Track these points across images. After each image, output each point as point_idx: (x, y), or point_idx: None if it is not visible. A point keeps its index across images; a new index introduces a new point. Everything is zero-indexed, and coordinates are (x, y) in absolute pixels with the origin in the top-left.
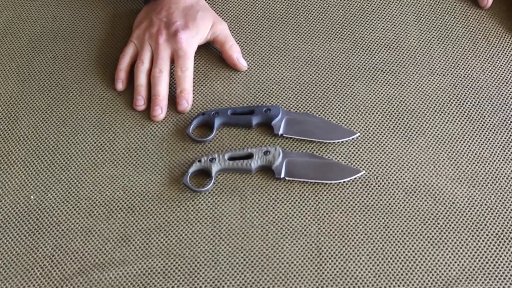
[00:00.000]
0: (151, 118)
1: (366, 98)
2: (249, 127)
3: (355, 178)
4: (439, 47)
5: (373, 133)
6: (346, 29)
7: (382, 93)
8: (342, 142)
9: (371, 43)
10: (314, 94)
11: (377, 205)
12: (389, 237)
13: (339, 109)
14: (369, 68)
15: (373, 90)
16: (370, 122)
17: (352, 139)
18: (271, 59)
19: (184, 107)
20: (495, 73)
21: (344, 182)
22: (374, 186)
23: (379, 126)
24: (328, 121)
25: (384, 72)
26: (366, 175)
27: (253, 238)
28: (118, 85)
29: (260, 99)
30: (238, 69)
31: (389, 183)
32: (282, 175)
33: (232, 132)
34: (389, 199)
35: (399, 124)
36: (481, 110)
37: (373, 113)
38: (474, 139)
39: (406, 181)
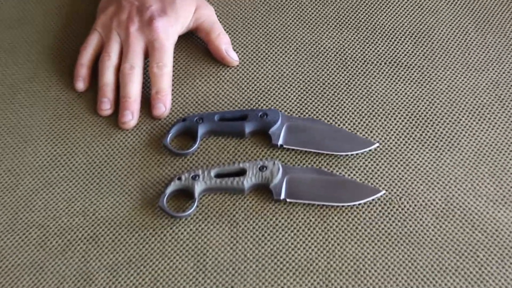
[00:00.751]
0: (120, 125)
1: (386, 100)
2: (241, 137)
3: (373, 200)
4: (477, 35)
5: (395, 143)
6: (361, 15)
7: (406, 93)
8: (357, 154)
9: (392, 32)
10: (322, 95)
11: (400, 233)
12: (415, 273)
13: (352, 114)
14: (389, 62)
15: (395, 90)
16: (391, 130)
17: (370, 150)
18: (268, 51)
19: (161, 111)
20: None
21: (359, 204)
22: (396, 210)
23: (402, 134)
24: (339, 129)
25: (408, 67)
26: (387, 196)
27: (246, 275)
28: (78, 84)
29: (254, 102)
30: (227, 63)
31: (415, 205)
32: (282, 196)
33: (220, 142)
34: (415, 226)
35: (427, 132)
36: None
37: (395, 119)
38: None
39: (437, 203)
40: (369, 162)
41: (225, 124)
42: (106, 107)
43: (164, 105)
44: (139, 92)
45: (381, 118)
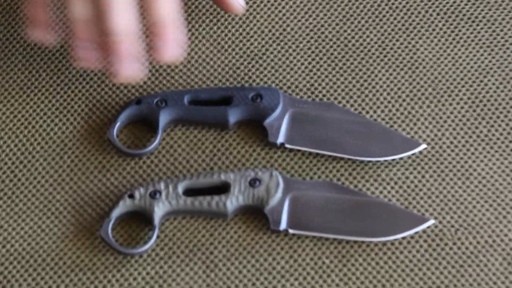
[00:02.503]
0: (118, 79)
1: (438, 79)
2: (222, 129)
3: (416, 233)
4: None
5: (450, 146)
6: None
7: (467, 68)
8: (393, 161)
9: None
10: (342, 71)
11: (457, 283)
12: None
13: (386, 101)
14: (441, 22)
15: (450, 64)
16: (445, 127)
17: (412, 156)
18: (269, 4)
19: (173, 55)
20: None
21: (396, 240)
22: (451, 248)
23: (460, 133)
24: (369, 121)
25: (470, 25)
26: (436, 227)
27: None
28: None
29: (244, 78)
30: (229, 8)
31: (478, 242)
32: (283, 226)
33: (191, 137)
34: (478, 271)
35: (497, 129)
36: None
37: (449, 110)
38: None
39: (510, 238)
40: (410, 173)
41: (199, 109)
42: (89, 55)
43: (177, 45)
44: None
45: (430, 108)
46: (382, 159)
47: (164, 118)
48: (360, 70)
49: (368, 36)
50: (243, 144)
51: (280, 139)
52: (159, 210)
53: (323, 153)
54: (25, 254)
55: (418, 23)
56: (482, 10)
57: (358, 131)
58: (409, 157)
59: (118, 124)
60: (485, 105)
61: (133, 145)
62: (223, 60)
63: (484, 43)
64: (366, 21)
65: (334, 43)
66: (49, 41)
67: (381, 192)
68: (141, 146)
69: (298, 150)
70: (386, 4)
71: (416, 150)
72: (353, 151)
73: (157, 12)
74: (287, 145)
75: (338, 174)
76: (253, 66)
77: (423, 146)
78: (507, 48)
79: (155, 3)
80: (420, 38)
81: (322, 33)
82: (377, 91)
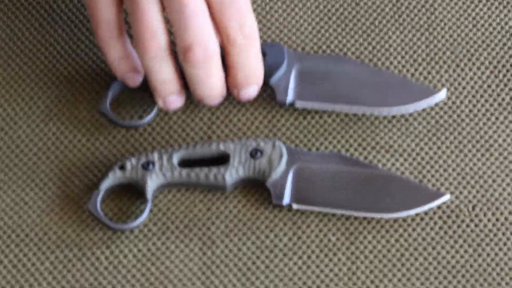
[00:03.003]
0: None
1: (452, 41)
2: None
3: (431, 209)
4: None
5: (469, 113)
6: None
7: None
8: (411, 114)
9: None
10: (351, 23)
11: (474, 263)
12: None
13: (398, 64)
14: None
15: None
16: (463, 96)
17: (429, 125)
18: None
19: (253, 94)
20: None
21: (408, 217)
22: (467, 225)
23: (482, 101)
24: (383, 71)
25: None
26: (452, 202)
27: None
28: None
29: None
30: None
31: (498, 218)
32: (286, 201)
33: (191, 102)
34: (497, 251)
35: None
36: None
37: (471, 73)
38: None
39: None
40: (425, 144)
41: None
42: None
43: (257, 84)
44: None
45: (448, 73)
46: (402, 108)
47: None
48: (372, 31)
49: None
50: (248, 106)
51: (289, 97)
52: (152, 183)
53: (338, 110)
54: (6, 229)
55: None
56: None
57: (374, 81)
58: (424, 126)
59: (110, 95)
60: (508, 71)
61: (128, 117)
62: None
63: (508, 2)
64: None
65: (345, 1)
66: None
67: (393, 165)
68: (136, 116)
69: (308, 112)
70: None
71: (437, 98)
72: (370, 102)
73: (246, 64)
74: (298, 104)
75: (350, 130)
76: (258, 25)
77: (444, 91)
78: None
79: (244, 56)
80: None
81: None
82: (391, 54)
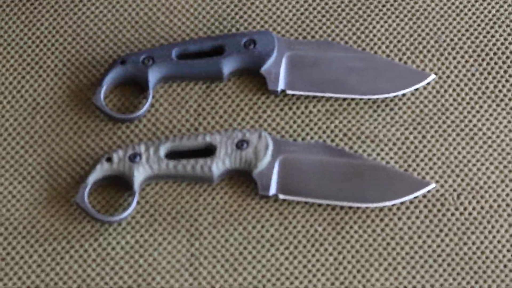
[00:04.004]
0: None
1: (436, 30)
2: (214, 80)
3: (416, 198)
4: None
5: (453, 102)
6: None
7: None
8: (401, 98)
9: None
10: (339, 9)
11: (459, 251)
12: None
13: (382, 54)
14: None
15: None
16: (447, 85)
17: (413, 114)
18: None
19: None
20: None
21: (394, 206)
22: (452, 214)
23: (466, 89)
24: (372, 55)
25: None
26: (440, 190)
27: None
28: None
29: (232, 23)
30: None
31: (482, 206)
32: (272, 191)
33: (177, 95)
34: (483, 239)
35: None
36: None
37: (454, 62)
38: None
39: None
40: (410, 133)
41: (190, 63)
42: None
43: None
44: None
45: (432, 62)
46: (391, 95)
47: (153, 77)
48: (357, 21)
49: None
50: (242, 96)
51: (280, 85)
52: (139, 175)
53: (328, 95)
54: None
55: None
56: None
57: (363, 67)
58: (408, 115)
59: (104, 88)
60: (491, 59)
61: (121, 109)
62: (208, 10)
63: None
64: None
65: None
66: None
67: (378, 154)
68: (131, 109)
69: (294, 103)
70: None
71: (425, 82)
72: (360, 89)
73: None
74: (289, 91)
75: (340, 115)
76: (241, 11)
77: (432, 76)
78: None
79: None
80: None
81: None
82: (375, 44)
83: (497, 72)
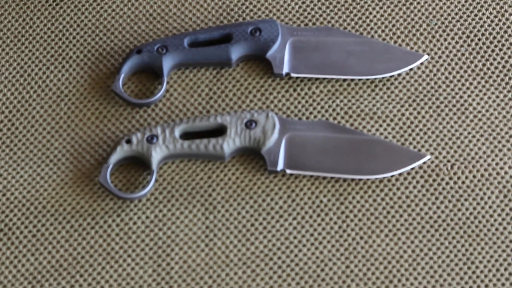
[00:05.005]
0: None
1: (427, 14)
2: (223, 66)
3: (413, 169)
4: None
5: (445, 80)
6: None
7: None
8: (396, 78)
9: None
10: (334, 18)
11: (452, 220)
12: (475, 276)
13: (378, 38)
14: None
15: None
16: (439, 64)
17: (409, 92)
18: None
19: None
20: None
21: (393, 177)
22: (447, 184)
23: (457, 68)
24: (369, 39)
25: None
26: (434, 162)
27: (226, 282)
28: None
29: (238, 12)
30: None
31: (474, 176)
32: (280, 167)
33: (190, 80)
34: (475, 209)
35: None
36: None
37: (445, 43)
38: None
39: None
40: (406, 110)
41: (201, 51)
42: None
43: None
44: None
45: (425, 44)
46: (388, 75)
47: (167, 64)
48: (354, 8)
49: None
50: (248, 79)
51: (285, 69)
52: (156, 155)
53: (329, 77)
54: (25, 202)
55: None
56: None
57: (361, 50)
58: (404, 93)
59: (122, 76)
60: (479, 39)
61: (138, 95)
62: (216, 1)
63: None
64: None
65: None
66: None
67: (377, 130)
68: (147, 95)
69: (298, 85)
70: None
71: (419, 62)
72: (359, 71)
73: None
74: (293, 75)
75: (341, 95)
76: (247, 1)
77: (425, 57)
78: None
79: None
80: None
81: None
82: (372, 28)
83: (485, 52)
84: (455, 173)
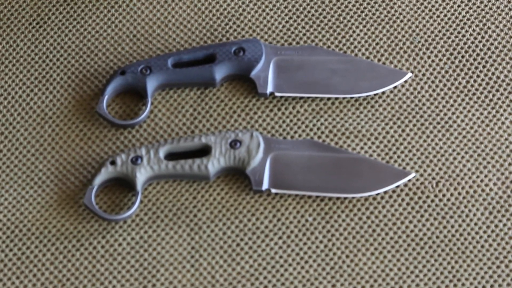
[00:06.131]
0: None
1: (411, 32)
2: (207, 86)
3: (398, 187)
4: None
5: (430, 97)
6: None
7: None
8: (381, 96)
9: None
10: (320, 16)
11: (438, 236)
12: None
13: (362, 56)
14: None
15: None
16: (423, 82)
17: (393, 110)
18: None
19: None
20: None
21: (378, 195)
22: (432, 201)
23: (441, 85)
24: (352, 58)
25: None
26: (419, 179)
27: None
28: None
29: (222, 32)
30: None
31: (459, 193)
32: (265, 186)
33: (174, 101)
34: (460, 225)
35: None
36: None
37: (429, 60)
38: None
39: (495, 192)
40: (391, 128)
41: (184, 71)
42: None
43: None
44: None
45: (409, 62)
46: (372, 93)
47: (151, 85)
48: (338, 26)
49: None
50: (233, 100)
51: (269, 88)
52: (141, 176)
53: (314, 96)
54: (9, 225)
55: None
56: None
57: (345, 69)
58: (388, 111)
59: (106, 98)
60: (463, 57)
61: (122, 116)
62: (200, 22)
63: None
64: None
65: (311, 0)
66: None
67: (362, 148)
68: (132, 116)
69: (282, 104)
70: None
71: (403, 79)
72: (343, 89)
73: None
74: (277, 94)
75: (326, 114)
76: (231, 22)
77: (409, 74)
78: None
79: None
80: None
81: None
82: (355, 47)
83: (469, 69)
84: (440, 191)
